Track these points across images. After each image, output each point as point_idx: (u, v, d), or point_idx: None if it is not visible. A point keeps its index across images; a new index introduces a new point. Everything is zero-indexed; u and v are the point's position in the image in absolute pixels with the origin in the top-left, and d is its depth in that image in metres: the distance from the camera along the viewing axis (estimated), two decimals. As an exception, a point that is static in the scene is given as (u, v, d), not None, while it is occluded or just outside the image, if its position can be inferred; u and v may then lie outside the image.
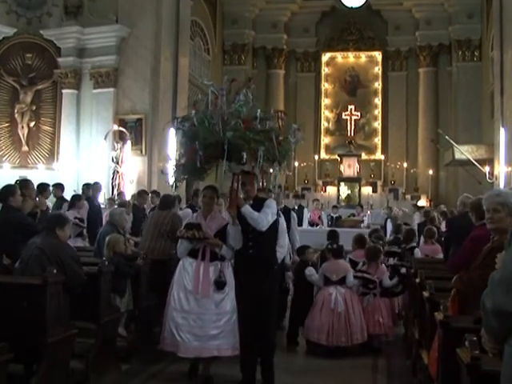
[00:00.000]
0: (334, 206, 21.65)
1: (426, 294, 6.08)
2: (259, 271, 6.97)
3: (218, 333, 7.01)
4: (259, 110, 6.69)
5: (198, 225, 7.14)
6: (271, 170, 7.08)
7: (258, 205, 7.01)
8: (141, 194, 14.05)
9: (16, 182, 9.50)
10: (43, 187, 12.27)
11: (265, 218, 6.89)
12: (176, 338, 7.01)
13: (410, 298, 9.07)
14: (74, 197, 12.74)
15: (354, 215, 20.90)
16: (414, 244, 11.00)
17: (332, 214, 20.16)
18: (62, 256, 6.56)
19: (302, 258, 9.55)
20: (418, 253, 10.76)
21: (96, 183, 14.64)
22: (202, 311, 7.03)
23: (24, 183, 9.38)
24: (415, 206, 21.98)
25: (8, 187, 8.52)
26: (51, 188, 12.32)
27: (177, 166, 7.11)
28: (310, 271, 9.14)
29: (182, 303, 7.10)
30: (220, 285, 7.05)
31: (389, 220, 20.10)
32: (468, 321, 4.37)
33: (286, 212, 9.93)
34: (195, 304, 7.05)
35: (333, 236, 10.44)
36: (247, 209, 6.89)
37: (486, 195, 5.43)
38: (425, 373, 5.90)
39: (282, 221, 7.83)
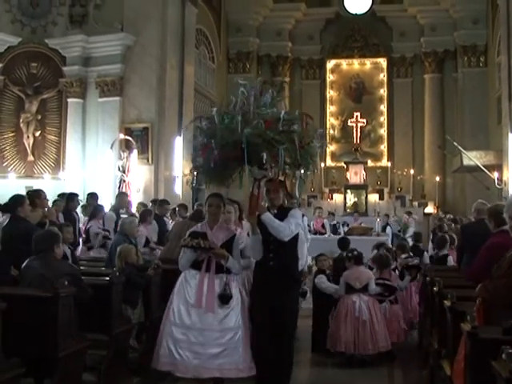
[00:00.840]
0: (331, 214, 21.45)
1: (447, 303, 5.94)
2: (280, 284, 6.53)
3: (221, 351, 6.43)
4: (283, 112, 6.37)
5: (203, 234, 6.70)
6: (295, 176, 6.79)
7: (282, 214, 6.60)
8: (161, 204, 13.79)
9: (27, 193, 9.42)
10: (71, 197, 12.23)
11: (287, 227, 6.47)
12: (174, 355, 6.44)
13: (426, 306, 8.92)
14: (96, 208, 12.61)
15: (347, 224, 20.76)
16: (446, 251, 10.77)
17: (330, 222, 20.00)
18: (64, 276, 6.40)
19: (319, 266, 9.50)
20: (450, 261, 10.42)
21: (122, 193, 14.57)
22: (204, 327, 6.47)
23: (36, 193, 9.31)
24: (409, 213, 21.81)
25: (16, 197, 8.43)
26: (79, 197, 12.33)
27: (195, 167, 6.81)
28: (319, 279, 9.08)
29: (182, 317, 6.54)
30: (225, 299, 6.53)
31: (388, 227, 20.09)
32: (497, 331, 4.25)
33: None
34: (197, 319, 6.50)
35: (344, 244, 10.21)
36: (268, 216, 6.48)
37: (508, 203, 5.32)
38: (447, 384, 5.77)
39: (301, 231, 7.32)
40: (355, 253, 9.03)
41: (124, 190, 19.10)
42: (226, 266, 6.68)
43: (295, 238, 6.73)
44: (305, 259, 7.76)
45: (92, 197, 13.69)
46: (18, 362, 5.20)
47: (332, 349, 8.64)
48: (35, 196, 9.19)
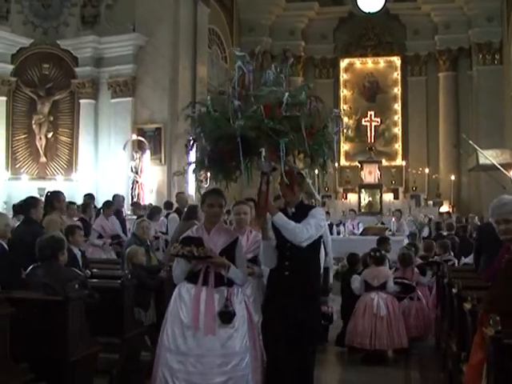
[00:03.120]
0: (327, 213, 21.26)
1: (467, 305, 5.79)
2: (298, 297, 5.56)
3: (225, 381, 5.39)
4: (287, 94, 5.10)
5: (198, 239, 5.57)
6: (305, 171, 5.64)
7: (301, 214, 5.62)
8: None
9: (47, 194, 9.32)
10: (107, 204, 12.16)
11: (305, 230, 5.45)
12: None
13: (443, 308, 8.78)
14: (154, 208, 12.64)
15: (343, 223, 20.53)
16: (449, 256, 10.77)
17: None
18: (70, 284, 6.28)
19: (351, 265, 10.02)
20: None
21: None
22: (203, 352, 5.41)
23: (55, 195, 9.17)
24: (398, 211, 21.61)
25: (30, 199, 8.36)
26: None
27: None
28: (354, 279, 9.36)
29: (177, 342, 5.49)
30: (226, 317, 5.45)
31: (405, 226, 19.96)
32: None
33: None
34: (194, 343, 5.44)
35: (382, 242, 10.45)
36: (280, 217, 5.47)
37: (492, 207, 5.14)
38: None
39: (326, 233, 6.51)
40: (377, 254, 9.30)
41: (137, 191, 19.10)
42: (228, 277, 5.59)
43: (316, 242, 5.70)
44: (328, 265, 6.62)
45: (90, 198, 13.60)
46: (28, 367, 5.10)
47: (349, 344, 8.90)
48: (54, 198, 9.05)
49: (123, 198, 14.32)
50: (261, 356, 5.71)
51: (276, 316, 5.59)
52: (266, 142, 5.01)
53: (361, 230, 19.21)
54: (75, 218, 11.57)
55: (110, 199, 13.11)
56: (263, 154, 4.99)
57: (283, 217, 5.51)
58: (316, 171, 5.65)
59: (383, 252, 9.52)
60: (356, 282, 9.26)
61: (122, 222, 12.95)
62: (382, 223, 20.41)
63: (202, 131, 5.31)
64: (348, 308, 9.36)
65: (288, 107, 5.07)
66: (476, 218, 18.19)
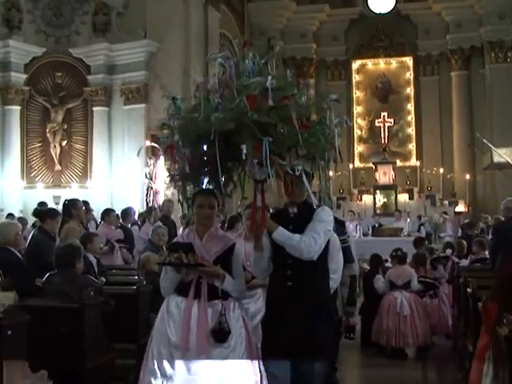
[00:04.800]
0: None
1: (481, 305, 5.76)
2: (304, 311, 4.82)
3: None
4: (270, 78, 4.47)
5: (187, 245, 4.88)
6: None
7: (305, 215, 4.91)
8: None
9: (65, 202, 9.39)
10: (126, 212, 12.17)
11: (313, 242, 4.73)
12: None
13: (459, 308, 8.76)
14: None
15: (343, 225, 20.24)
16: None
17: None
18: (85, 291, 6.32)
19: (374, 265, 10.44)
20: None
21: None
22: (193, 377, 4.73)
23: (72, 203, 9.25)
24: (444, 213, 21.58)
25: (49, 210, 8.51)
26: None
27: (171, 177, 5.08)
28: (377, 279, 9.81)
29: (162, 364, 4.79)
30: (221, 335, 4.75)
31: (422, 227, 19.89)
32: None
33: (342, 226, 7.17)
34: (184, 365, 4.75)
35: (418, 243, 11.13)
36: (281, 234, 4.75)
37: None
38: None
39: (335, 237, 5.44)
40: (399, 253, 9.73)
41: (152, 197, 19.12)
42: (222, 289, 4.90)
43: (326, 248, 4.99)
44: (339, 273, 5.53)
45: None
46: (45, 375, 5.13)
47: (375, 341, 9.41)
48: (71, 206, 9.13)
49: (134, 212, 14.23)
50: (261, 381, 4.85)
51: (278, 334, 4.83)
52: (250, 138, 4.37)
53: (360, 232, 18.86)
54: (113, 227, 11.64)
55: (109, 207, 13.12)
56: (244, 151, 4.35)
57: (284, 232, 4.77)
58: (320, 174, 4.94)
59: (405, 251, 9.92)
60: (379, 281, 9.66)
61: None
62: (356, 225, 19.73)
63: (180, 137, 4.80)
64: (370, 307, 9.76)
65: (274, 93, 4.46)
66: (489, 217, 18.08)
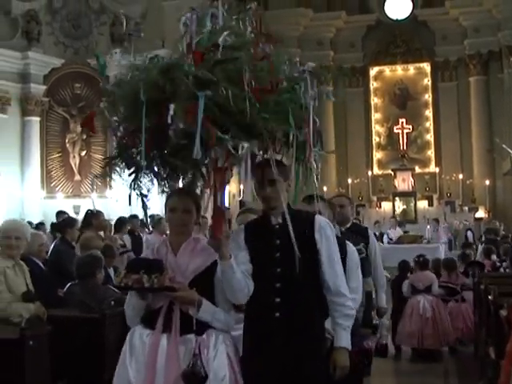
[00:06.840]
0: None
1: (503, 312, 5.74)
2: (295, 347, 3.75)
3: None
4: (225, 33, 3.58)
5: (153, 263, 3.80)
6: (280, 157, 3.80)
7: (296, 228, 3.73)
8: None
9: (87, 212, 9.46)
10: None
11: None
12: None
13: (480, 315, 8.70)
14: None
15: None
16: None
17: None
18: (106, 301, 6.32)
19: (402, 271, 10.74)
20: None
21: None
22: None
23: (93, 214, 9.34)
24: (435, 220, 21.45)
25: (67, 219, 8.55)
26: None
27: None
28: (405, 284, 10.10)
29: None
30: (193, 381, 3.58)
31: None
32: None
33: (361, 234, 6.37)
34: None
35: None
36: (226, 269, 3.65)
37: None
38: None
39: (353, 250, 4.82)
40: (421, 259, 10.15)
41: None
42: (198, 320, 3.74)
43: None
44: (360, 294, 4.81)
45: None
46: (66, 385, 5.15)
47: (399, 343, 9.75)
48: (92, 216, 9.21)
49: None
50: None
51: (263, 378, 3.75)
52: (182, 97, 3.33)
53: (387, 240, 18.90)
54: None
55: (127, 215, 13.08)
56: (171, 111, 3.31)
57: (230, 269, 3.63)
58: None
59: (426, 257, 10.38)
60: (405, 286, 10.05)
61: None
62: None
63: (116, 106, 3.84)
64: (398, 311, 10.11)
65: (227, 51, 3.50)
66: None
